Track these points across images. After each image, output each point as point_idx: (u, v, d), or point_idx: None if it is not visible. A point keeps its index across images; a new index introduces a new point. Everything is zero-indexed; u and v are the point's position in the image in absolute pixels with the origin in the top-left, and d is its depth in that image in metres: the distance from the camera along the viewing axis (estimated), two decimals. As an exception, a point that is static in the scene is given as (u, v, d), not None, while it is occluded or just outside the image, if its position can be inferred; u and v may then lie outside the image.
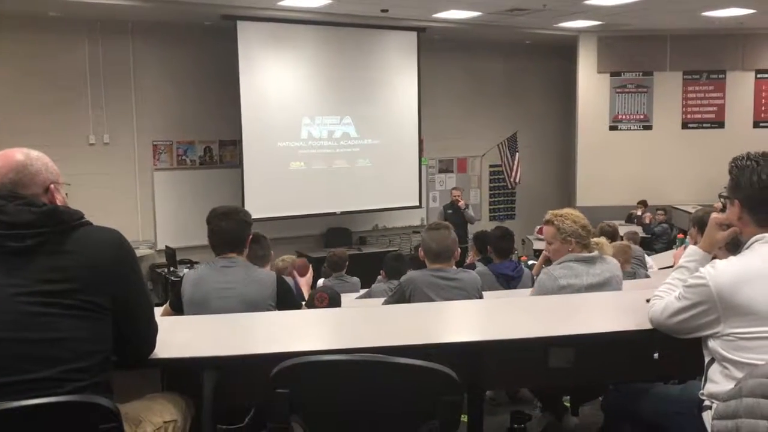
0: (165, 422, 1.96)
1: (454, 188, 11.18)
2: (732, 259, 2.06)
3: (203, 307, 2.96)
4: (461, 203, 10.39)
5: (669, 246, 9.55)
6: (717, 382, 1.99)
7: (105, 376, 1.80)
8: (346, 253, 6.60)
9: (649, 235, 10.45)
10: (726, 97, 12.25)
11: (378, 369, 1.78)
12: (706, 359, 2.08)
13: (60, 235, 1.77)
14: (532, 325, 2.52)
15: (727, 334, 1.99)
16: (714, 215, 2.31)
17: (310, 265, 5.61)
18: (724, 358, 1.99)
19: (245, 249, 3.21)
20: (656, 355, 2.63)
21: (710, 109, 12.32)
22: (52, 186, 1.88)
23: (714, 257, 2.25)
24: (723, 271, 2.01)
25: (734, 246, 2.26)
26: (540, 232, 10.37)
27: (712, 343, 2.03)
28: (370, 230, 11.54)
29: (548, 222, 3.47)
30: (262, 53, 9.77)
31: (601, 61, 12.13)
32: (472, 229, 8.93)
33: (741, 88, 12.23)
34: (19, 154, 1.85)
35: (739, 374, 1.92)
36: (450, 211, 10.30)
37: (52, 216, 1.77)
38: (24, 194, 1.79)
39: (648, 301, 2.32)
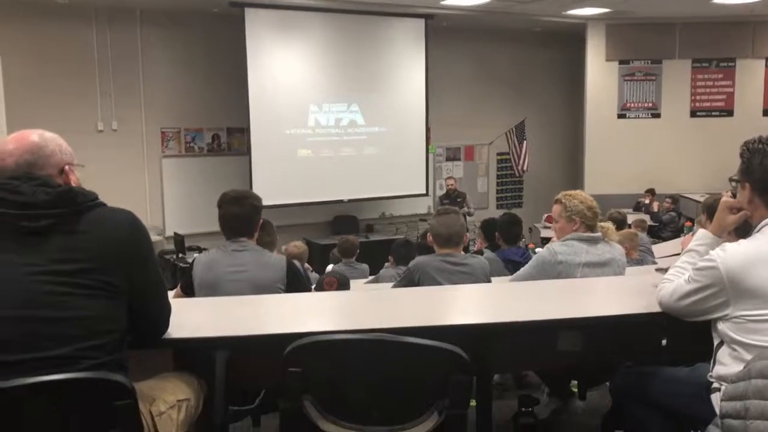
0: (178, 401, 1.98)
1: (448, 177, 11.17)
2: (742, 242, 2.06)
3: (214, 290, 2.99)
4: (468, 203, 10.35)
5: (677, 234, 9.54)
6: (726, 364, 2.00)
7: (120, 355, 1.82)
8: (357, 240, 6.65)
9: (657, 224, 10.44)
10: (735, 85, 12.18)
11: (390, 348, 1.80)
12: (715, 342, 2.09)
13: (74, 216, 1.78)
14: (541, 308, 2.53)
15: (737, 317, 1.99)
16: (725, 198, 2.32)
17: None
18: (733, 340, 2.00)
19: (255, 233, 3.23)
20: (664, 342, 2.64)
21: (719, 97, 12.25)
22: (66, 167, 1.89)
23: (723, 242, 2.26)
24: (733, 254, 2.01)
25: (743, 231, 2.26)
26: (548, 219, 10.39)
27: (722, 326, 2.04)
28: (377, 218, 11.56)
29: (557, 200, 3.54)
30: (270, 40, 9.77)
31: (610, 48, 12.07)
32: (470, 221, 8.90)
33: (751, 76, 12.15)
34: (33, 136, 1.87)
35: (748, 356, 1.93)
36: (446, 201, 10.28)
37: (66, 196, 1.78)
38: (39, 175, 1.81)
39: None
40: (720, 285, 2.01)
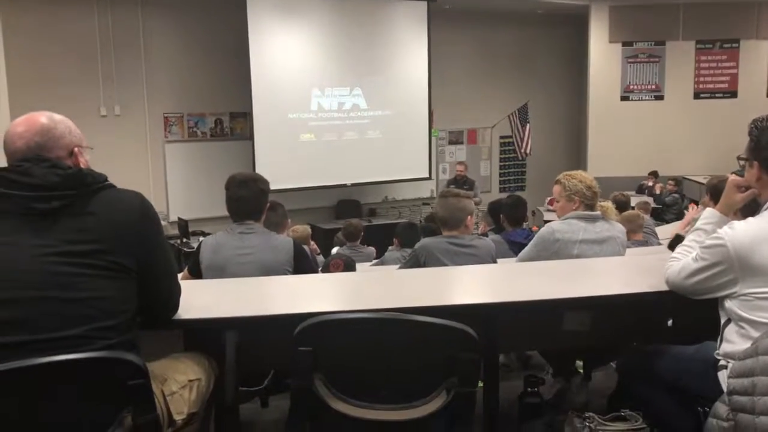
0: (190, 381, 1.99)
1: (459, 162, 11.14)
2: (750, 220, 2.07)
3: (222, 272, 3.01)
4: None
5: (679, 216, 9.52)
6: (733, 342, 2.01)
7: (132, 335, 1.83)
8: (361, 223, 6.66)
9: (660, 206, 10.43)
10: (739, 66, 12.12)
11: (399, 327, 1.81)
12: (722, 320, 2.10)
13: (85, 197, 1.79)
14: (547, 288, 2.54)
15: (744, 294, 2.00)
16: (732, 177, 2.32)
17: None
18: (741, 318, 2.01)
19: (262, 216, 3.24)
20: (670, 322, 2.66)
21: (723, 78, 12.20)
22: (76, 149, 1.90)
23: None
24: (741, 232, 2.02)
25: (750, 210, 2.26)
26: (551, 203, 10.39)
27: (729, 304, 2.05)
28: (380, 202, 11.56)
29: (557, 181, 3.65)
30: (272, 24, 9.73)
31: (613, 30, 12.01)
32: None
33: (755, 58, 12.09)
34: (43, 118, 1.87)
35: (755, 333, 1.94)
36: (453, 186, 10.25)
37: (77, 178, 1.79)
38: (49, 157, 1.81)
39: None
40: (728, 263, 2.02)
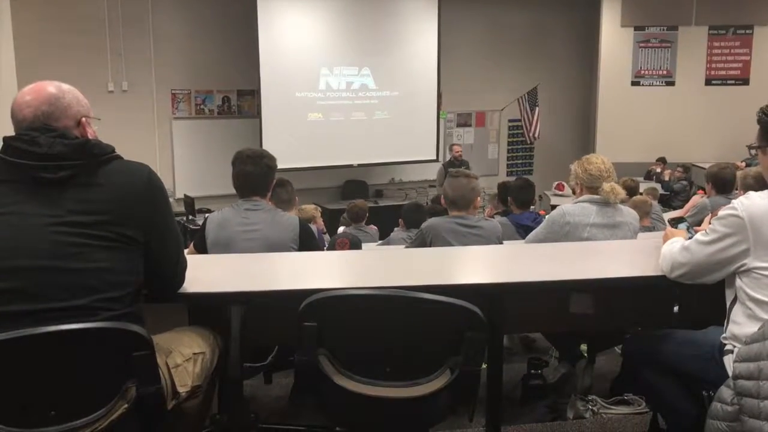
0: (194, 354, 2.00)
1: (454, 144, 11.09)
2: (766, 192, 2.04)
3: (227, 248, 3.01)
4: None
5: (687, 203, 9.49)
6: (739, 323, 2.00)
7: (137, 307, 1.83)
8: (366, 204, 6.65)
9: (668, 192, 10.39)
10: (752, 53, 12.00)
11: (405, 304, 1.81)
12: (728, 300, 2.09)
13: (92, 168, 1.79)
14: (554, 269, 2.53)
15: (755, 269, 1.98)
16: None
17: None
18: (749, 297, 1.99)
19: (268, 193, 3.24)
20: (676, 308, 2.64)
21: (735, 65, 12.09)
22: (83, 119, 1.89)
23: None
24: (756, 201, 1.99)
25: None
26: (558, 187, 10.36)
27: (738, 282, 2.03)
28: (386, 183, 11.54)
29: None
30: (282, 2, 9.67)
31: (625, 14, 11.89)
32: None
33: (768, 44, 11.98)
34: (51, 87, 1.86)
35: (762, 314, 1.93)
36: (451, 169, 10.21)
37: (84, 148, 1.78)
38: (56, 126, 1.80)
39: None
40: (742, 233, 1.99)
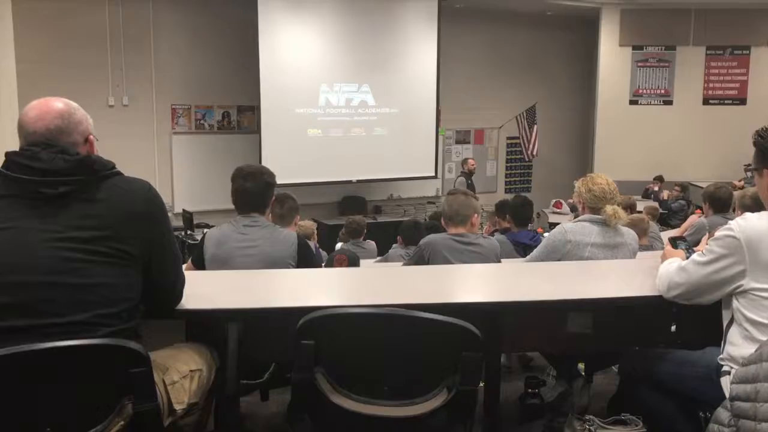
0: (191, 371, 1.99)
1: (469, 158, 11.16)
2: (764, 213, 2.04)
3: (225, 265, 3.00)
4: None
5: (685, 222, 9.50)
6: (736, 344, 2.00)
7: (134, 323, 1.84)
8: (364, 220, 6.65)
9: (666, 211, 10.40)
10: (749, 73, 12.08)
11: (402, 323, 1.81)
12: (725, 321, 2.09)
13: (92, 184, 1.80)
14: (552, 288, 2.53)
15: (752, 290, 1.98)
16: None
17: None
18: (746, 318, 1.99)
19: (267, 209, 3.23)
20: (673, 328, 2.64)
21: (732, 85, 12.16)
22: (91, 137, 1.91)
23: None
24: (753, 223, 2.00)
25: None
26: (556, 205, 10.38)
27: (735, 303, 2.03)
28: (385, 199, 11.55)
29: None
30: (282, 18, 9.73)
31: (624, 33, 11.97)
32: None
33: (765, 65, 12.07)
34: (59, 103, 1.87)
35: (760, 336, 1.93)
36: (470, 182, 10.29)
37: (84, 164, 1.79)
38: (58, 143, 1.81)
39: None
40: (738, 254, 2.00)
